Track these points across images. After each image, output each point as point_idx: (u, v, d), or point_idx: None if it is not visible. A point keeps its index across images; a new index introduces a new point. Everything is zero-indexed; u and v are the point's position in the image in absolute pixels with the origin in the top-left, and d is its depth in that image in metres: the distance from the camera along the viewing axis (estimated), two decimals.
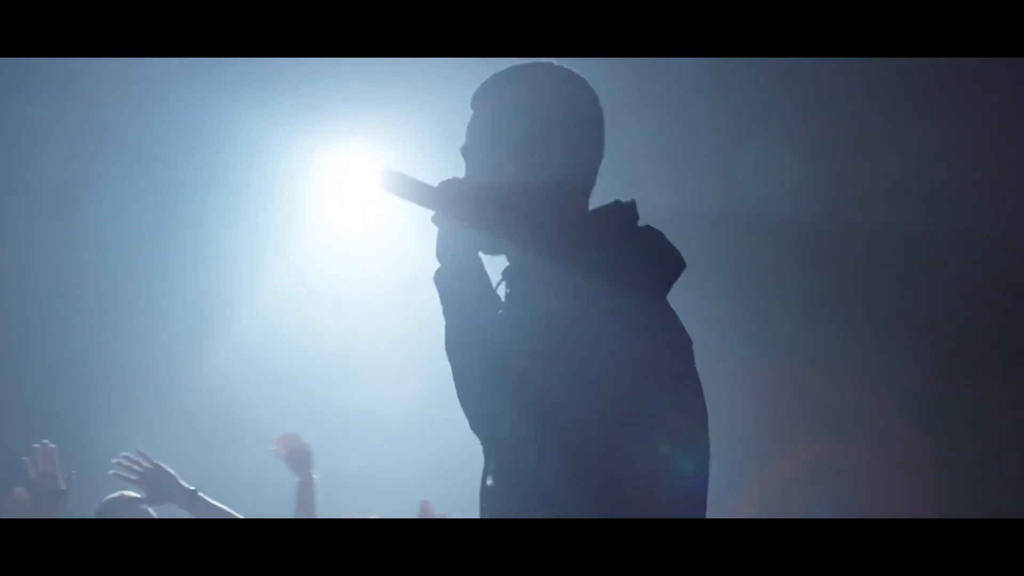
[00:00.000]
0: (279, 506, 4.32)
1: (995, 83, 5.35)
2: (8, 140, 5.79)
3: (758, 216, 5.80)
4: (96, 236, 5.95)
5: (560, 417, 1.94)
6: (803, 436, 5.90)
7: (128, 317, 6.07)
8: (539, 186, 2.11)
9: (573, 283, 2.01)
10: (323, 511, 4.21)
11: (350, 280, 6.18)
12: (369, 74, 5.42)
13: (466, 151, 2.18)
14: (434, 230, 2.14)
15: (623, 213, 2.15)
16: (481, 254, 2.13)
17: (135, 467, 3.72)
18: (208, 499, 3.76)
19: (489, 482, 2.07)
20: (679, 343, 2.08)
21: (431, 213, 2.13)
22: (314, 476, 4.21)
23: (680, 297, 2.14)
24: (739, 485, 5.39)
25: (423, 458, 5.86)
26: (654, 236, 2.14)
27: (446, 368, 2.11)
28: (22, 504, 3.84)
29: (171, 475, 3.74)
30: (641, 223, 2.15)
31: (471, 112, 2.21)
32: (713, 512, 2.07)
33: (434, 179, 2.14)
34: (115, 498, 3.82)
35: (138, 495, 3.79)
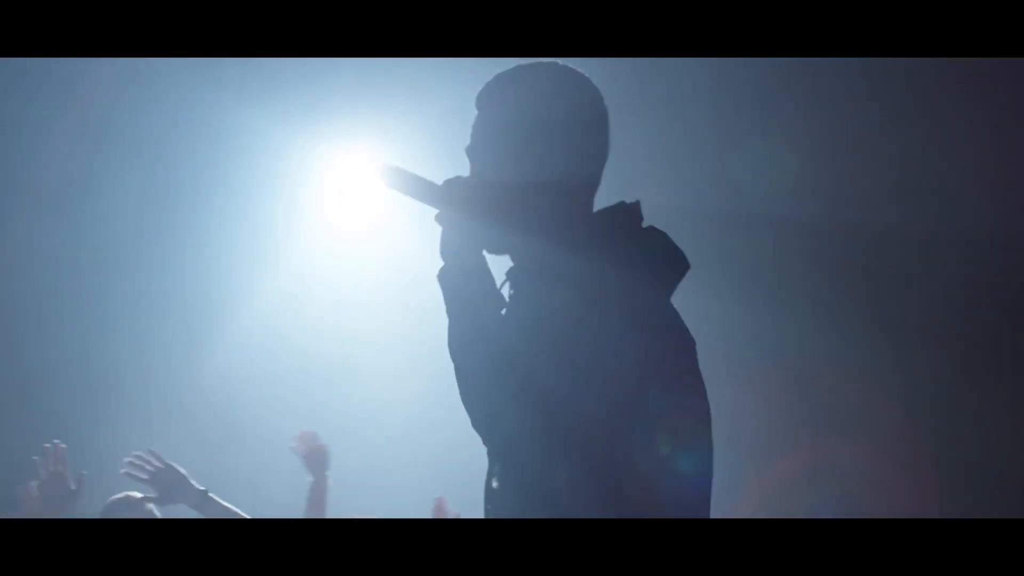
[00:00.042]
0: (279, 506, 4.31)
1: (995, 83, 5.35)
2: (8, 140, 5.79)
3: (758, 216, 5.79)
4: (96, 236, 5.94)
5: (564, 417, 1.94)
6: (803, 436, 5.90)
7: (129, 317, 6.07)
8: (543, 185, 2.11)
9: (578, 283, 2.01)
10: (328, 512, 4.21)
11: (350, 280, 6.18)
12: (369, 74, 5.42)
13: (470, 151, 2.18)
14: (436, 229, 2.13)
15: (628, 214, 2.15)
16: (485, 253, 2.12)
17: (146, 467, 3.69)
18: (219, 499, 3.74)
19: (494, 484, 2.07)
20: (683, 344, 2.08)
21: (432, 212, 2.13)
22: (328, 477, 4.20)
23: (680, 297, 2.14)
24: (740, 485, 5.39)
25: (424, 458, 5.86)
26: (659, 237, 2.14)
27: (447, 367, 2.11)
28: (37, 499, 3.81)
29: (182, 475, 3.72)
30: (643, 223, 2.15)
31: (475, 112, 2.20)
32: (715, 512, 2.07)
33: (435, 179, 2.14)
34: (120, 498, 3.81)
35: (143, 495, 3.78)
